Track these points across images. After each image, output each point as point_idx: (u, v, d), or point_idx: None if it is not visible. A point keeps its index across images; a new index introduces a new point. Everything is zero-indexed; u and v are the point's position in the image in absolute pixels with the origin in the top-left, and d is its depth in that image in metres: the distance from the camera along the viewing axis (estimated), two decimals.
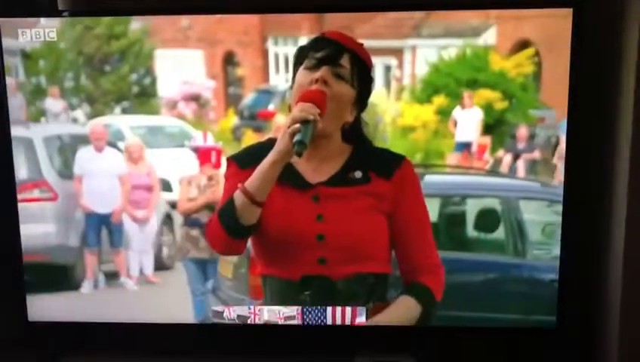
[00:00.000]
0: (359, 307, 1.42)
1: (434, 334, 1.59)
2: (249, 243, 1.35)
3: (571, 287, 1.53)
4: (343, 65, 1.26)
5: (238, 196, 1.23)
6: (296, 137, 1.17)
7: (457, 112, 1.66)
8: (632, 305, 1.40)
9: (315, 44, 1.28)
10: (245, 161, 1.30)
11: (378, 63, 1.60)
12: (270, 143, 1.26)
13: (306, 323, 1.46)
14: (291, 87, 1.30)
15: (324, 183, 1.29)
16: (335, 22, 1.50)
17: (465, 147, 1.69)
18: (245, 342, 1.64)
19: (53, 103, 1.67)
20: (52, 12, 1.63)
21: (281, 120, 1.70)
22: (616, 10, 1.44)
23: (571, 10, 1.45)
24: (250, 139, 1.70)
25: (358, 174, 1.30)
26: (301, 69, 1.27)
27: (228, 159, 1.35)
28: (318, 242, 1.27)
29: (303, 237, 1.28)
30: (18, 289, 1.65)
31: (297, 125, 1.18)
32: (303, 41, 1.36)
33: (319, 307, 1.44)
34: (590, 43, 1.46)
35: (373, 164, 1.31)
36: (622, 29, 1.42)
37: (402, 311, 1.35)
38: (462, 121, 1.67)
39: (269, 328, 1.37)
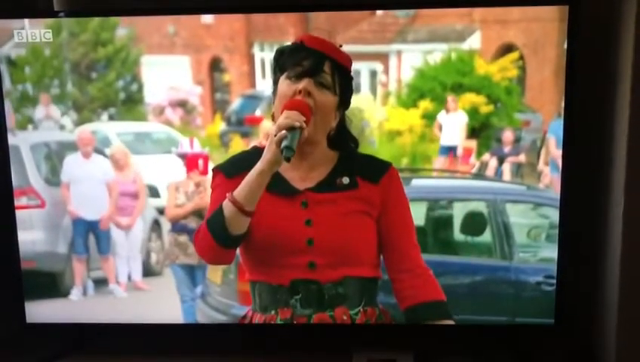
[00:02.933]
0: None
1: (432, 331, 1.59)
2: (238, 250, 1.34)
3: (569, 285, 1.54)
4: (325, 71, 1.27)
5: (227, 206, 1.22)
6: (284, 143, 1.17)
7: (442, 116, 1.66)
8: (629, 303, 1.41)
9: (295, 54, 1.28)
10: (231, 170, 1.31)
11: (363, 68, 1.60)
12: (255, 151, 1.26)
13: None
14: (273, 93, 1.30)
15: (312, 189, 1.29)
16: (320, 27, 1.46)
17: (449, 150, 1.69)
18: (241, 340, 1.65)
19: (43, 111, 1.67)
20: (48, 12, 1.63)
21: (268, 125, 1.70)
22: (613, 7, 1.43)
23: (557, 13, 1.46)
24: (238, 144, 1.71)
25: (346, 180, 1.30)
26: (283, 78, 1.27)
27: (214, 170, 1.34)
28: (308, 246, 1.28)
29: (293, 241, 1.28)
30: (16, 290, 1.65)
31: (284, 132, 1.18)
32: None
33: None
34: (586, 41, 1.46)
35: (360, 169, 1.32)
36: (618, 27, 1.41)
37: None
38: (446, 124, 1.67)
39: (266, 326, 1.37)
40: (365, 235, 1.31)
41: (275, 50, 1.31)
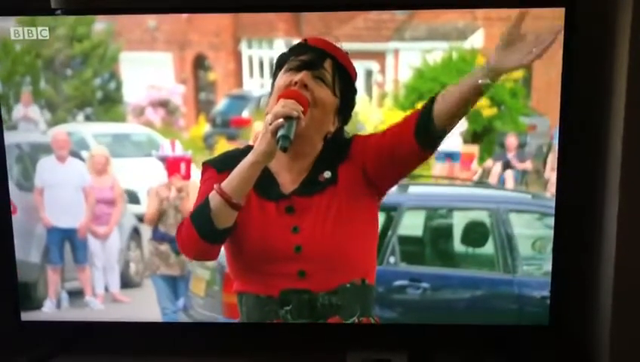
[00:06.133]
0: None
1: (427, 331, 1.59)
2: (225, 260, 1.31)
3: (565, 288, 1.54)
4: (325, 67, 1.24)
5: (214, 197, 1.17)
6: (280, 132, 1.13)
7: None
8: (622, 304, 1.41)
9: (297, 50, 1.26)
10: (223, 166, 1.26)
11: (359, 67, 1.55)
12: (249, 150, 1.22)
13: None
14: (270, 94, 1.26)
15: (297, 192, 1.25)
16: (312, 23, 1.47)
17: (446, 157, 1.66)
18: (233, 340, 1.62)
19: (21, 111, 1.62)
20: (44, 10, 1.58)
21: (260, 127, 1.66)
22: (607, 9, 1.43)
23: (562, 11, 1.41)
24: (224, 147, 1.67)
25: (328, 174, 1.26)
26: (281, 73, 1.25)
27: (204, 164, 1.30)
28: (296, 254, 1.23)
29: (280, 250, 1.24)
30: (11, 289, 1.62)
31: (281, 120, 1.14)
32: (279, 43, 1.32)
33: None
34: (581, 43, 1.45)
35: (337, 157, 1.27)
36: (613, 29, 1.40)
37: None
38: None
39: (259, 326, 1.34)
40: (355, 239, 1.26)
41: (263, 47, 1.26)
